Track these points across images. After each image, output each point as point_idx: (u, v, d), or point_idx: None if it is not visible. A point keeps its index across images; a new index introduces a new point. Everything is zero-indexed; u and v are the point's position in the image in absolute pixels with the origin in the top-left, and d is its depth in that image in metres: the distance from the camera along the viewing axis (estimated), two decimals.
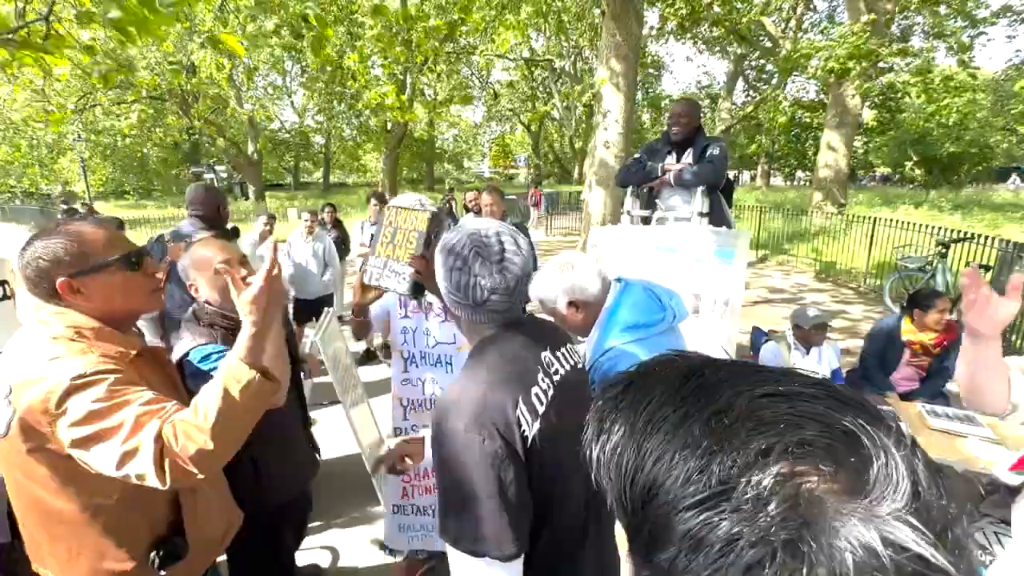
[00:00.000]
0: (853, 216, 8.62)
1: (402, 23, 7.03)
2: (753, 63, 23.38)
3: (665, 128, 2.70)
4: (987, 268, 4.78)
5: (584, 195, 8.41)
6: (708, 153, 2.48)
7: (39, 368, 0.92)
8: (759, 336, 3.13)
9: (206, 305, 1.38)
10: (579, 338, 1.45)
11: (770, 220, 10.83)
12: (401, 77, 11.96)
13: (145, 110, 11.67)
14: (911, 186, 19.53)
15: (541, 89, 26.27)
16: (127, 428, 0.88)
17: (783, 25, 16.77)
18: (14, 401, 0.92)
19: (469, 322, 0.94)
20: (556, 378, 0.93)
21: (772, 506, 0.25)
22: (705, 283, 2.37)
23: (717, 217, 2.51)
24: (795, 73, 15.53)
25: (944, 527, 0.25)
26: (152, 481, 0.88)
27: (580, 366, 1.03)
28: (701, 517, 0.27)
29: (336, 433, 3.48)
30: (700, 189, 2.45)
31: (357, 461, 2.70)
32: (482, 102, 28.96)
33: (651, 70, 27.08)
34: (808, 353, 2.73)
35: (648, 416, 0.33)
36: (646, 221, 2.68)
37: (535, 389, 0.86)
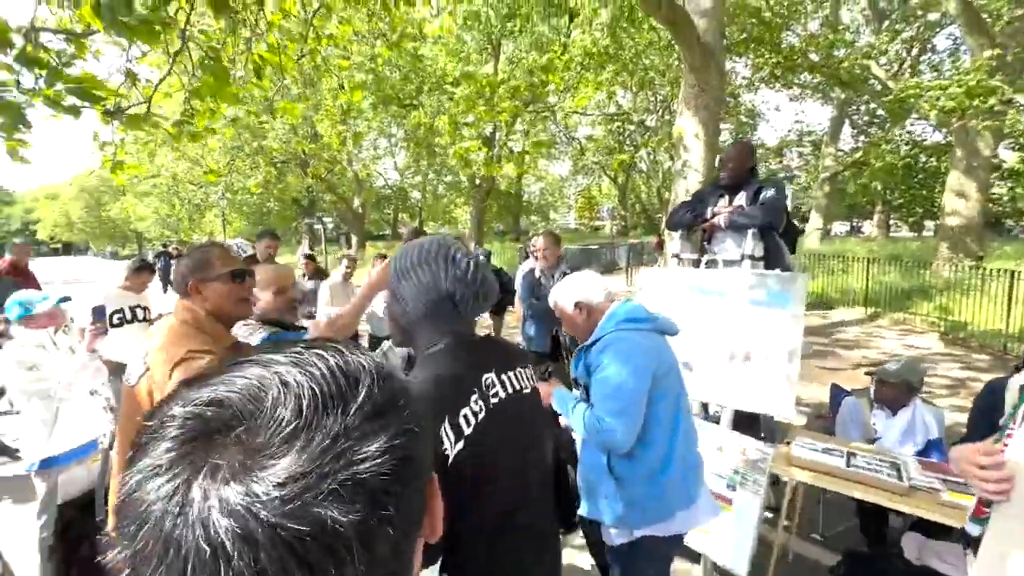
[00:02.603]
0: (989, 270, 7.40)
1: (486, 88, 7.67)
2: (860, 107, 21.76)
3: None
4: None
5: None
6: (762, 195, 2.38)
7: (167, 342, 1.30)
8: (840, 394, 2.77)
9: (260, 315, 1.79)
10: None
11: (883, 273, 9.65)
12: (488, 135, 12.94)
13: (269, 171, 14.04)
14: None
15: (628, 143, 26.62)
16: None
17: (894, 68, 15.58)
18: (146, 361, 1.30)
19: (428, 333, 0.96)
20: (493, 401, 0.91)
21: (170, 430, 0.29)
22: (757, 329, 2.19)
23: (774, 261, 2.35)
24: (913, 115, 14.20)
25: (305, 492, 0.27)
26: None
27: (528, 391, 1.01)
28: (141, 436, 0.31)
29: None
30: (752, 232, 2.33)
31: None
32: (568, 156, 29.91)
33: (745, 118, 26.28)
34: (895, 415, 2.36)
35: None
36: (696, 264, 2.59)
37: (464, 410, 0.86)
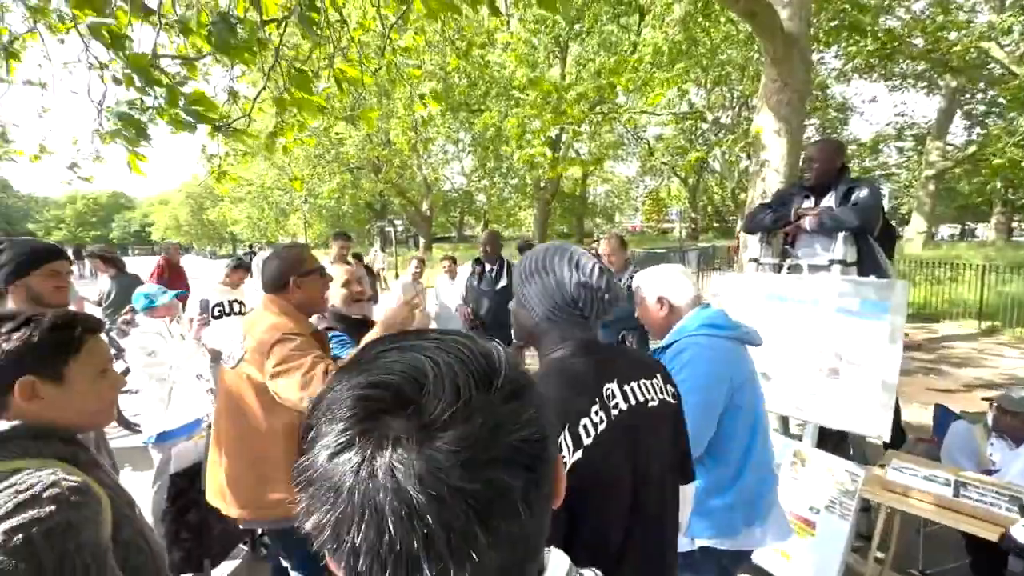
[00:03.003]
0: None
1: (554, 93, 7.66)
2: (976, 95, 19.25)
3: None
4: None
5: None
6: (854, 195, 2.18)
7: (263, 329, 1.50)
8: (946, 417, 2.47)
9: (332, 307, 1.97)
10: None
11: (1004, 282, 8.46)
12: (553, 138, 12.97)
13: (344, 176, 15.04)
14: None
15: (701, 141, 25.47)
16: (307, 365, 1.40)
17: (1021, 49, 13.60)
18: (245, 345, 1.50)
19: (552, 338, 0.95)
20: (614, 412, 0.87)
21: (343, 411, 0.34)
22: (848, 340, 2.01)
23: (869, 267, 2.14)
24: None
25: (476, 458, 0.32)
26: None
27: (655, 403, 0.96)
28: (312, 419, 0.36)
29: None
30: (842, 235, 2.14)
31: None
32: (636, 157, 29.14)
33: (834, 112, 24.19)
34: (1018, 446, 2.06)
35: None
36: (777, 270, 2.42)
37: (585, 420, 0.82)
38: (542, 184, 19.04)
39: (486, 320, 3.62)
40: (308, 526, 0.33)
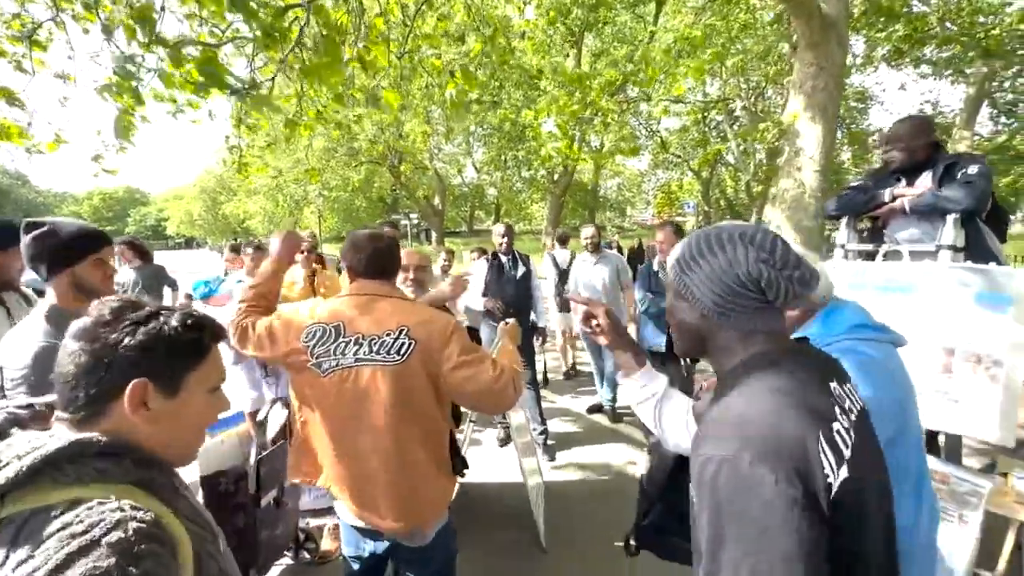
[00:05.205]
0: None
1: (578, 82, 7.44)
2: (1006, 83, 18.66)
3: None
4: None
5: None
6: (961, 172, 1.96)
7: (429, 317, 1.34)
8: None
9: None
10: None
11: None
12: (573, 132, 12.79)
13: (358, 170, 14.95)
14: None
15: (715, 133, 25.06)
16: (486, 354, 1.37)
17: None
18: (413, 335, 1.29)
19: (730, 337, 0.76)
20: (852, 417, 0.71)
21: None
22: (962, 335, 1.81)
23: (978, 253, 1.94)
24: None
25: None
26: (512, 393, 1.32)
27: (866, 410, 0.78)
28: None
29: (494, 457, 3.55)
30: (952, 217, 1.93)
31: (514, 491, 2.70)
32: (648, 151, 28.74)
33: (854, 103, 23.61)
34: None
35: None
36: (869, 257, 2.22)
37: (836, 425, 0.66)
38: (556, 177, 18.81)
39: (512, 308, 3.57)
40: None
